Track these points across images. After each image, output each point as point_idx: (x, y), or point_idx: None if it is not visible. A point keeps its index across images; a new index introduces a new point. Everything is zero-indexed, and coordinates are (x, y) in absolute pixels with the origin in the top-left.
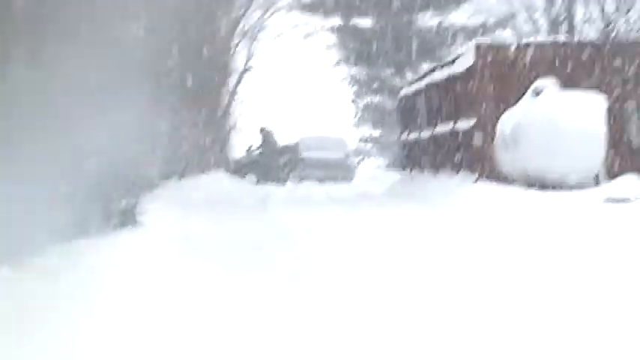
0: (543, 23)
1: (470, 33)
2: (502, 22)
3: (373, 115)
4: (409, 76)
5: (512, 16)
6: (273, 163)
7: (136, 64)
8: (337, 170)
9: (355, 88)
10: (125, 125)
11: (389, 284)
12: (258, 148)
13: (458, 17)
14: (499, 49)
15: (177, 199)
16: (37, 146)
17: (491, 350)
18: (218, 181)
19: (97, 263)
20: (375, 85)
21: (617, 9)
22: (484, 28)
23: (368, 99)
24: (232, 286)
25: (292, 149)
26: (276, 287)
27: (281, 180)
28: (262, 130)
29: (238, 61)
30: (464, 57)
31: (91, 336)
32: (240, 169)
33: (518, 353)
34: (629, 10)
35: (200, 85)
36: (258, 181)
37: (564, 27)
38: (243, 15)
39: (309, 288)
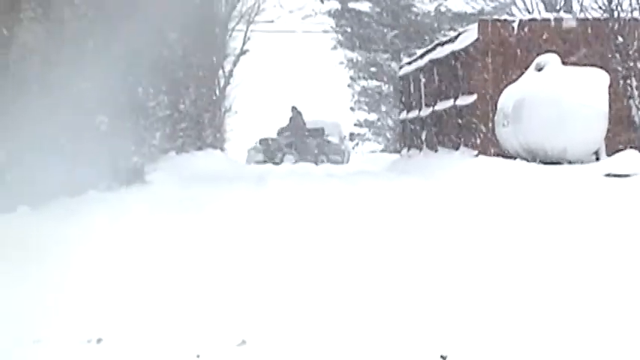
0: (541, 10)
1: (467, 19)
2: (500, 9)
3: (369, 99)
4: (405, 60)
5: (511, 2)
6: (307, 144)
7: (136, 41)
8: (333, 153)
9: (352, 72)
10: (127, 94)
11: (383, 253)
12: (286, 129)
13: (455, 3)
14: (502, 25)
15: (177, 171)
16: (53, 108)
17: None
18: (215, 158)
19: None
20: (371, 70)
21: None
22: (482, 15)
23: (364, 83)
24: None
25: (320, 133)
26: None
27: (317, 161)
28: (293, 109)
29: (235, 44)
30: (467, 33)
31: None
32: (274, 149)
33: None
34: None
35: (198, 66)
36: (296, 162)
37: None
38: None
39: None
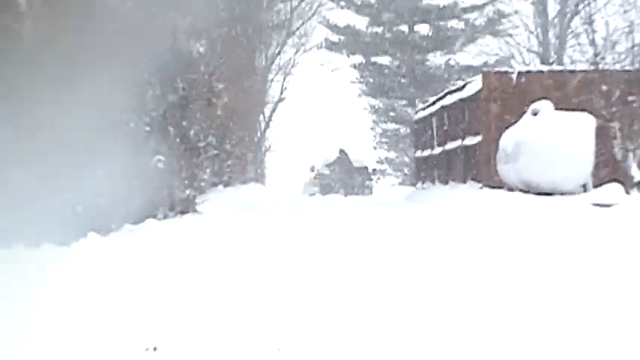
0: (537, 63)
1: (473, 71)
2: (501, 62)
3: (389, 139)
4: (420, 107)
5: (510, 56)
6: (354, 180)
7: (190, 89)
8: (361, 188)
9: (374, 116)
10: (181, 136)
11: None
12: (332, 164)
13: (463, 57)
14: (503, 75)
15: (224, 202)
16: (124, 152)
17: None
18: (257, 191)
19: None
20: (390, 114)
21: (605, 41)
22: (485, 67)
23: (385, 126)
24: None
25: (364, 171)
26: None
27: (365, 194)
28: (341, 151)
29: (274, 93)
30: (472, 83)
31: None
32: (329, 184)
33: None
34: (615, 44)
35: (242, 112)
36: (346, 195)
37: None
38: (279, 53)
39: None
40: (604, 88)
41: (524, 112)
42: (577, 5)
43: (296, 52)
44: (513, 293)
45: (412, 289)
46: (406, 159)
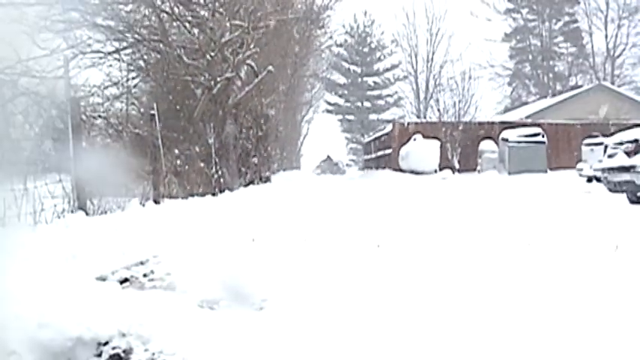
0: (415, 119)
1: (389, 122)
2: (400, 118)
3: (353, 151)
4: (367, 137)
5: (404, 116)
6: (334, 168)
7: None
8: (339, 171)
9: (347, 141)
10: (264, 150)
11: (355, 193)
12: (324, 161)
13: (385, 116)
14: (401, 124)
15: (283, 178)
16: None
17: None
18: (296, 173)
19: (258, 188)
20: (354, 140)
21: (444, 109)
22: (394, 120)
23: (352, 145)
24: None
25: (339, 164)
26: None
27: (340, 174)
28: (328, 156)
29: (303, 130)
30: (389, 127)
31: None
32: (325, 169)
33: None
34: (448, 110)
35: (291, 139)
36: (332, 174)
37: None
38: (306, 114)
39: (328, 194)
40: (443, 129)
41: (409, 139)
42: (432, 93)
43: (313, 113)
44: (411, 195)
45: (366, 193)
46: (361, 159)
